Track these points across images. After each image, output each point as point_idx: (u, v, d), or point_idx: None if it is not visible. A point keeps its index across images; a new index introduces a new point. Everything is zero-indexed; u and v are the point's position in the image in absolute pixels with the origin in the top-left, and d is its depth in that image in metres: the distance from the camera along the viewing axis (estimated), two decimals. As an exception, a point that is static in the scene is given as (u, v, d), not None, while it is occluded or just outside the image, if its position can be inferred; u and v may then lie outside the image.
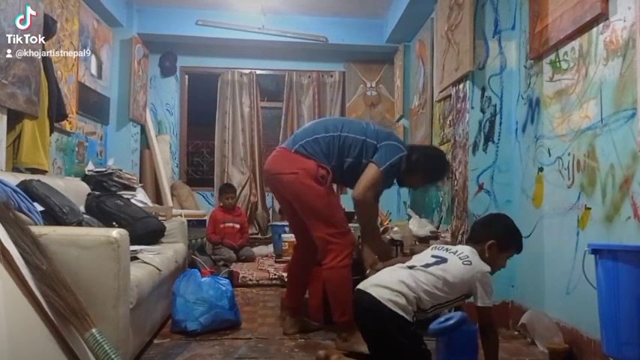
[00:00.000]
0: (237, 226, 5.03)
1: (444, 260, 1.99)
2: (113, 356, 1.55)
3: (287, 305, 2.66)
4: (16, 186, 2.17)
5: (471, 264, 1.97)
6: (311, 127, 2.51)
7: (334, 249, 2.34)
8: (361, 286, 2.00)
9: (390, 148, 2.39)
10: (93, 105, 4.38)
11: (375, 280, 1.99)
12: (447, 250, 2.07)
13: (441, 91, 3.75)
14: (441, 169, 2.66)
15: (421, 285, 1.91)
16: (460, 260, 1.99)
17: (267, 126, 6.01)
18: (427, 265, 1.98)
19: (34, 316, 1.50)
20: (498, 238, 2.08)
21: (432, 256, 2.04)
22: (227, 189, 5.13)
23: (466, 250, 2.04)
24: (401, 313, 1.85)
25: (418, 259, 2.06)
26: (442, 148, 3.40)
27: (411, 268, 1.99)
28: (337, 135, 2.41)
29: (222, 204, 5.06)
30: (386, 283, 1.92)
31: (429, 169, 2.55)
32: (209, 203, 5.69)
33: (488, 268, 2.01)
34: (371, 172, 2.35)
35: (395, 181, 2.56)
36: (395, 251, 2.85)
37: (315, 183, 2.32)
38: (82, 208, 2.81)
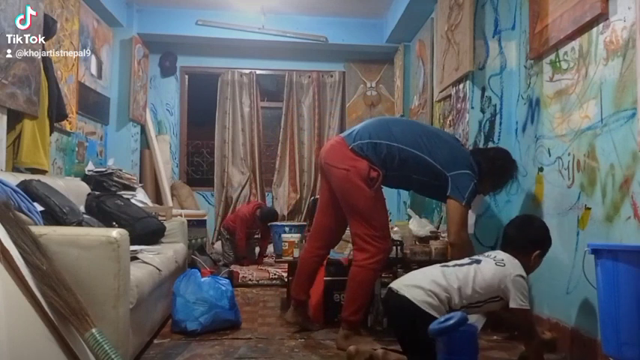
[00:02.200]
0: (257, 234, 5.03)
1: (477, 261, 2.03)
2: (113, 356, 1.55)
3: (293, 295, 2.66)
4: (16, 186, 2.17)
5: (504, 266, 1.99)
6: (376, 128, 2.42)
7: (369, 250, 2.34)
8: (394, 285, 2.01)
9: (462, 178, 2.33)
10: (93, 105, 4.38)
11: (407, 280, 2.02)
12: (485, 255, 2.11)
13: (441, 91, 3.75)
14: (507, 171, 2.51)
15: (452, 283, 1.94)
16: (494, 262, 2.01)
17: (267, 126, 6.01)
18: (460, 265, 2.02)
19: (34, 316, 1.50)
20: (544, 246, 2.11)
21: (468, 258, 2.09)
22: (270, 218, 4.81)
23: (504, 255, 2.05)
24: (434, 314, 1.88)
25: (453, 261, 2.10)
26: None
27: (443, 267, 2.03)
28: (401, 147, 2.35)
29: (255, 220, 4.85)
30: (419, 283, 1.95)
31: (494, 172, 2.46)
32: (209, 203, 5.69)
33: (522, 272, 2.01)
34: (455, 209, 2.33)
35: None
36: (395, 251, 2.84)
37: (364, 184, 2.31)
38: (82, 208, 2.81)
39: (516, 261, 2.03)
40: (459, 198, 2.32)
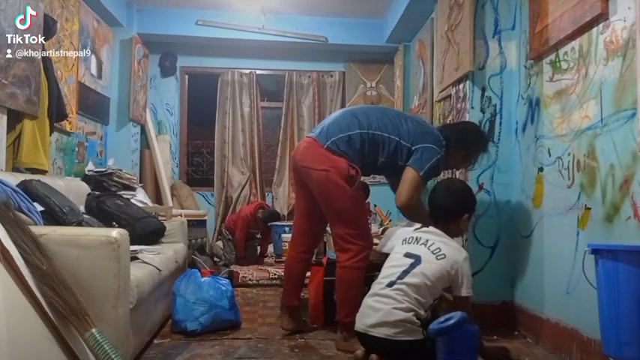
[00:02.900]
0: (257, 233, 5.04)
1: (417, 260, 2.01)
2: (113, 356, 1.55)
3: (285, 303, 2.65)
4: (16, 186, 2.17)
5: (445, 257, 2.00)
6: (344, 120, 2.41)
7: (352, 249, 2.33)
8: (361, 329, 2.01)
9: (426, 151, 2.33)
10: (93, 105, 4.38)
11: (370, 319, 1.98)
12: (417, 241, 2.08)
13: (441, 91, 3.74)
14: (477, 142, 2.52)
15: (409, 299, 1.95)
16: (433, 255, 2.01)
17: (267, 126, 6.01)
18: (404, 274, 1.99)
19: (34, 316, 1.50)
20: (473, 208, 2.19)
21: (405, 256, 2.06)
22: (272, 219, 4.86)
23: (437, 239, 2.06)
24: (414, 338, 1.90)
25: (393, 267, 2.06)
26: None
27: (390, 285, 1.99)
28: (371, 133, 2.35)
29: (257, 220, 4.86)
30: (382, 318, 1.95)
31: (464, 144, 2.47)
32: (209, 203, 5.69)
33: (464, 255, 2.04)
34: (410, 176, 2.31)
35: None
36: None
37: (345, 183, 2.30)
38: (82, 208, 2.81)
39: (451, 242, 2.05)
40: (418, 168, 2.30)
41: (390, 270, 2.07)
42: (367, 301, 2.07)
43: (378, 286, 2.07)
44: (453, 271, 1.99)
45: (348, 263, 2.33)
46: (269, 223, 4.84)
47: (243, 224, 4.74)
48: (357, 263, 2.33)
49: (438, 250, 2.02)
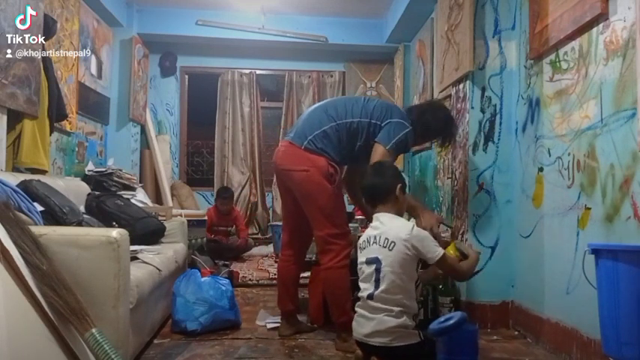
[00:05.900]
0: (231, 228, 5.05)
1: (378, 262, 1.96)
2: (113, 356, 1.55)
3: (280, 308, 2.62)
4: (16, 186, 2.17)
5: (395, 243, 1.94)
6: (316, 117, 2.45)
7: (333, 249, 2.34)
8: (358, 338, 1.99)
9: (393, 125, 2.38)
10: (93, 105, 4.38)
11: (365, 328, 1.97)
12: (368, 242, 2.03)
13: (441, 91, 3.74)
14: (449, 118, 2.63)
15: (396, 303, 1.92)
16: (386, 249, 1.96)
17: (267, 126, 6.02)
18: (377, 283, 1.96)
19: (34, 316, 1.51)
20: (401, 177, 2.14)
21: (367, 263, 2.01)
22: (223, 193, 5.02)
23: (381, 228, 2.01)
24: (410, 342, 1.89)
25: (365, 282, 2.02)
26: (442, 148, 3.40)
27: (371, 298, 1.96)
28: (344, 122, 2.40)
29: (217, 211, 5.00)
30: (376, 328, 1.93)
31: (439, 123, 2.54)
32: (209, 203, 5.69)
33: (409, 226, 1.99)
34: (379, 152, 2.35)
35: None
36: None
37: (326, 181, 2.33)
38: (82, 208, 2.81)
39: (392, 221, 2.00)
40: (385, 143, 2.34)
41: (364, 284, 2.03)
42: (359, 310, 2.05)
43: (362, 300, 2.04)
44: (411, 251, 1.93)
45: (331, 264, 2.34)
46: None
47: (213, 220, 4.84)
48: (341, 262, 2.34)
49: (386, 240, 1.96)
